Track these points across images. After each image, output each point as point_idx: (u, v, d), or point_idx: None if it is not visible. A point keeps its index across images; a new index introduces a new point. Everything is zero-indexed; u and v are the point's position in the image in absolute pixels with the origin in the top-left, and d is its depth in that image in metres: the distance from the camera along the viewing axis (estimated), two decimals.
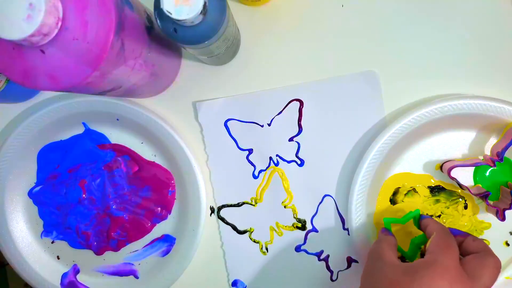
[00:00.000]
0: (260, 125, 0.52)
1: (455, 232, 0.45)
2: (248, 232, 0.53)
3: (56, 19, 0.31)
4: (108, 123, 0.53)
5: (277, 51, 0.52)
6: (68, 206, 0.55)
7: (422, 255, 0.43)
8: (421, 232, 0.47)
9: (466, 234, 0.44)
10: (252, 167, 0.53)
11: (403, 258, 0.49)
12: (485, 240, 0.51)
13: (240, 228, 0.54)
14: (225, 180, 0.53)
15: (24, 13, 0.30)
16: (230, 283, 0.54)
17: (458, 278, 0.38)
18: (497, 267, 0.40)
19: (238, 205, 0.53)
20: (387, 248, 0.44)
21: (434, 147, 0.51)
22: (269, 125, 0.52)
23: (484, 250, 0.42)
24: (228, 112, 0.52)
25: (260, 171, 0.53)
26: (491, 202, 0.48)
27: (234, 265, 0.54)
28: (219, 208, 0.54)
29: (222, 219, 0.54)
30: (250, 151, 0.53)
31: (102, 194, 0.54)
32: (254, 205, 0.53)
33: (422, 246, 0.48)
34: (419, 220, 0.48)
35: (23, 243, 0.55)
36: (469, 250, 0.43)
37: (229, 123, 0.52)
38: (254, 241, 0.53)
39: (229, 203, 0.54)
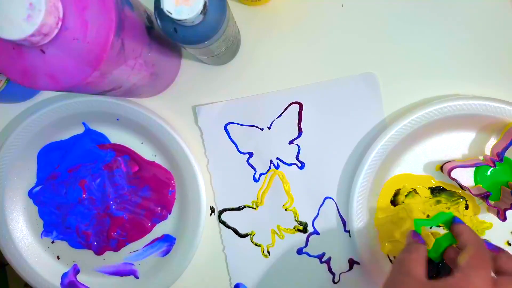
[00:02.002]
0: (260, 128, 0.52)
1: (488, 246, 0.41)
2: (249, 236, 0.53)
3: (56, 19, 0.31)
4: (108, 123, 0.53)
5: (277, 51, 0.52)
6: (68, 206, 0.55)
7: (448, 260, 0.42)
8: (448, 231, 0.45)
9: (499, 250, 0.41)
10: (253, 171, 0.53)
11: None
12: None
13: (242, 231, 0.53)
14: (225, 183, 0.53)
15: (24, 13, 0.30)
16: (233, 287, 0.54)
17: None
18: None
19: (239, 208, 0.53)
20: (416, 261, 0.40)
21: (434, 148, 0.51)
22: (269, 128, 0.52)
23: None
24: (227, 115, 0.52)
25: (260, 174, 0.53)
26: (492, 202, 0.48)
27: (236, 269, 0.54)
28: (220, 212, 0.54)
29: (224, 223, 0.53)
30: (251, 154, 0.53)
31: (102, 194, 0.54)
32: (255, 209, 0.53)
33: (446, 246, 0.45)
34: (452, 223, 0.45)
35: (23, 243, 0.55)
36: (502, 269, 0.39)
37: (229, 127, 0.52)
38: (256, 245, 0.53)
39: (230, 206, 0.53)
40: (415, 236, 0.44)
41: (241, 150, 0.53)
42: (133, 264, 0.55)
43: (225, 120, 0.52)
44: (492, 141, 0.50)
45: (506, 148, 0.46)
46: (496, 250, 0.41)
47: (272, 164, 0.53)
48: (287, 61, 0.52)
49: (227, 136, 0.53)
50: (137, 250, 0.55)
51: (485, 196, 0.47)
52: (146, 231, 0.55)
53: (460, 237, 0.42)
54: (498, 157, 0.47)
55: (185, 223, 0.53)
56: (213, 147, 0.53)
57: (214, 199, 0.54)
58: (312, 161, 0.52)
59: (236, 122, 0.52)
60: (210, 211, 0.54)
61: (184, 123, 0.54)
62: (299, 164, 0.52)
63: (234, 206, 0.53)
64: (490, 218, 0.51)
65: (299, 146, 0.52)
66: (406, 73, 0.51)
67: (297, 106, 0.52)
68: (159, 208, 0.54)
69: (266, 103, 0.52)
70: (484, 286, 0.36)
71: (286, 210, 0.53)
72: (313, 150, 0.52)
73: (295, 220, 0.53)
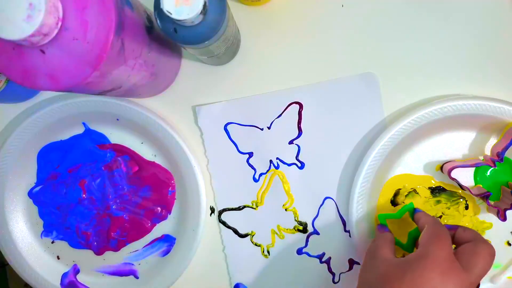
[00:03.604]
0: (260, 129, 0.52)
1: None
2: (249, 236, 0.53)
3: (56, 19, 0.31)
4: (108, 123, 0.53)
5: (277, 51, 0.52)
6: (68, 206, 0.55)
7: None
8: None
9: (455, 227, 0.44)
10: (253, 171, 0.53)
11: (405, 252, 0.50)
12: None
13: (242, 231, 0.53)
14: (225, 183, 0.53)
15: (24, 13, 0.30)
16: (232, 286, 0.54)
17: (449, 269, 0.38)
18: (491, 254, 0.40)
19: (239, 208, 0.53)
20: (382, 245, 0.44)
21: (434, 148, 0.51)
22: (269, 128, 0.52)
23: (476, 239, 0.42)
24: (227, 115, 0.52)
25: (260, 174, 0.53)
26: (492, 202, 0.48)
27: (236, 269, 0.54)
28: (220, 212, 0.54)
29: (224, 223, 0.53)
30: (250, 154, 0.53)
31: (102, 194, 0.54)
32: (255, 209, 0.53)
33: (416, 237, 0.49)
34: (413, 213, 0.49)
35: (23, 243, 0.55)
36: (461, 240, 0.43)
37: (229, 127, 0.52)
38: (256, 245, 0.53)
39: (230, 206, 0.53)
40: (381, 228, 0.49)
41: (241, 150, 0.53)
42: (133, 264, 0.55)
43: (225, 120, 0.52)
44: (492, 141, 0.50)
45: (506, 148, 0.46)
46: (453, 228, 0.44)
47: (272, 164, 0.53)
48: (287, 61, 0.52)
49: (227, 136, 0.53)
50: (137, 250, 0.55)
51: (485, 196, 0.47)
52: (146, 231, 0.55)
53: (419, 222, 0.46)
54: (498, 157, 0.47)
55: (185, 223, 0.53)
56: (213, 147, 0.53)
57: (214, 199, 0.54)
58: (312, 161, 0.52)
59: (236, 122, 0.52)
60: (210, 211, 0.54)
61: (184, 123, 0.54)
62: (299, 164, 0.52)
63: (234, 206, 0.53)
64: (490, 218, 0.51)
65: (299, 146, 0.52)
66: (406, 73, 0.51)
67: (297, 106, 0.52)
68: (159, 208, 0.54)
69: (266, 103, 0.52)
70: (443, 256, 0.39)
71: (286, 210, 0.53)
72: (313, 150, 0.52)
73: (295, 220, 0.53)
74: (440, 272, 0.37)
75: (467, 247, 0.41)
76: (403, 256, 0.51)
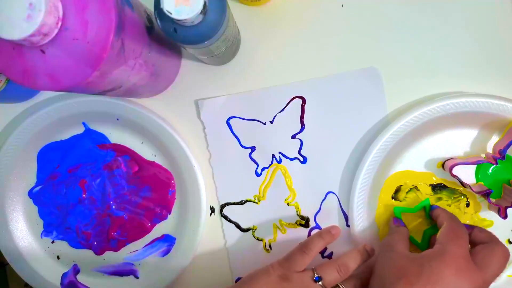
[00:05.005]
0: (263, 123, 0.52)
1: None
2: (251, 230, 0.53)
3: (56, 19, 0.31)
4: (108, 123, 0.53)
5: (277, 51, 0.52)
6: (68, 206, 0.55)
7: (433, 245, 0.44)
8: (433, 222, 0.49)
9: (472, 227, 0.46)
10: (255, 165, 0.53)
11: (418, 249, 0.50)
12: None
13: (244, 226, 0.53)
14: (228, 178, 0.53)
15: (24, 13, 0.30)
16: (234, 281, 0.54)
17: (465, 267, 0.39)
18: (506, 256, 0.42)
19: (241, 203, 0.53)
20: (398, 239, 0.45)
21: (436, 145, 0.51)
22: (271, 122, 0.52)
23: (492, 240, 0.43)
24: (230, 110, 0.52)
25: (263, 169, 0.53)
26: (493, 200, 0.48)
27: (237, 263, 0.54)
28: (222, 206, 0.53)
29: (225, 217, 0.54)
30: (253, 148, 0.53)
31: (102, 194, 0.54)
32: (257, 203, 0.53)
33: (431, 234, 0.50)
34: (430, 210, 0.49)
35: (23, 243, 0.55)
36: (477, 241, 0.44)
37: (231, 121, 0.52)
38: (258, 239, 0.53)
39: (232, 201, 0.53)
40: (396, 221, 0.50)
41: (243, 144, 0.53)
42: (133, 264, 0.55)
43: (227, 114, 0.52)
44: (494, 138, 0.50)
45: (508, 146, 0.46)
46: (468, 227, 0.46)
47: (274, 158, 0.53)
48: (287, 61, 0.52)
49: (229, 130, 0.53)
50: (137, 250, 0.55)
51: (486, 194, 0.47)
52: (146, 231, 0.55)
53: (437, 219, 0.47)
54: (500, 155, 0.47)
55: (185, 223, 0.53)
56: (215, 141, 0.53)
57: (216, 193, 0.54)
58: (315, 156, 0.52)
59: (239, 116, 0.52)
60: (210, 211, 0.54)
61: (184, 123, 0.53)
62: (302, 159, 0.52)
63: (236, 201, 0.53)
64: (491, 216, 0.51)
65: (301, 141, 0.52)
66: (409, 70, 0.51)
67: (300, 101, 0.52)
68: (159, 208, 0.54)
69: (269, 97, 0.52)
70: (460, 254, 0.40)
71: (288, 204, 0.53)
72: (316, 144, 0.52)
73: (297, 214, 0.53)
74: (456, 270, 0.39)
75: (483, 248, 0.42)
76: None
